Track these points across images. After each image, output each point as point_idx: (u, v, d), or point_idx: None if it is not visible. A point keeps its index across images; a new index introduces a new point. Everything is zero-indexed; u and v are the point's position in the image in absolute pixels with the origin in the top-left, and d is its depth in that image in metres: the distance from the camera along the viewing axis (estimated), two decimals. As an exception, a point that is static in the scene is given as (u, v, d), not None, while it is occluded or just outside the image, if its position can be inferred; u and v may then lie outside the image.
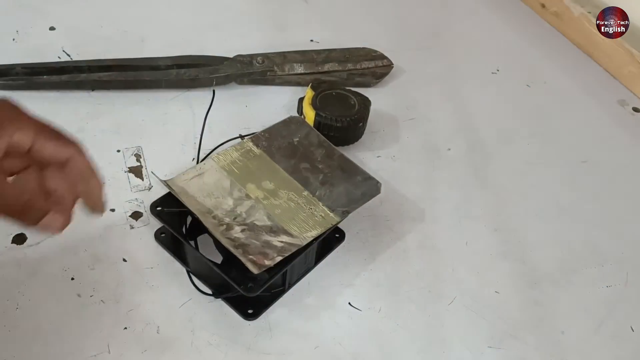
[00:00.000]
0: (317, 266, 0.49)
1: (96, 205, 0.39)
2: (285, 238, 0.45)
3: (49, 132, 0.38)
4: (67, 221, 0.37)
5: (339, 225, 0.50)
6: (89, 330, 0.44)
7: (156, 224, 0.51)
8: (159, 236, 0.49)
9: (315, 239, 0.46)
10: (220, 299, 0.46)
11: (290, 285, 0.47)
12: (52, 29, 0.68)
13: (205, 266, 0.45)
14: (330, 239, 0.50)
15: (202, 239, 0.50)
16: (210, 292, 0.47)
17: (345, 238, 0.51)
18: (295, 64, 0.65)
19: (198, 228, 0.49)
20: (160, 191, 0.53)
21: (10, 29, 0.67)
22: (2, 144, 0.35)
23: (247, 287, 0.42)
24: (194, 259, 0.47)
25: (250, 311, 0.45)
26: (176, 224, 0.47)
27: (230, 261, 0.46)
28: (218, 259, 0.48)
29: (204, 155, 0.56)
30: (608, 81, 0.71)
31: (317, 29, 0.72)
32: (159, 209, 0.47)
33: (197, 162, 0.55)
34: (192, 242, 0.48)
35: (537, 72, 0.71)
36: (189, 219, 0.50)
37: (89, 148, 0.57)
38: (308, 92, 0.59)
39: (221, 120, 0.60)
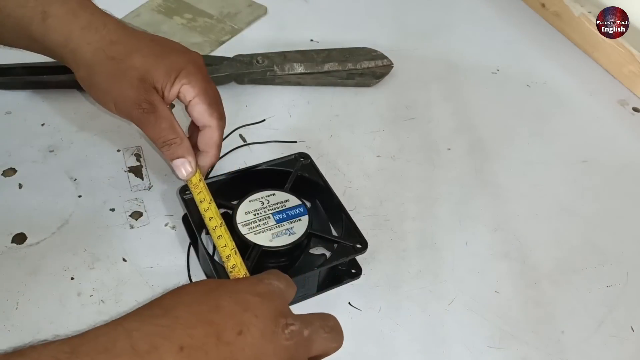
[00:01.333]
0: (319, 294, 0.48)
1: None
2: None
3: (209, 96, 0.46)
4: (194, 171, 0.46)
5: (360, 262, 0.49)
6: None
7: (156, 224, 0.51)
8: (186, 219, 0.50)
9: (321, 265, 0.46)
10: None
11: None
12: (52, 28, 0.68)
13: (207, 263, 0.46)
14: (342, 272, 0.49)
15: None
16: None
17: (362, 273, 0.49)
18: (295, 64, 0.65)
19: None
20: (160, 190, 0.53)
21: (10, 29, 0.67)
22: (176, 88, 0.45)
23: None
24: (202, 255, 0.47)
25: None
26: (196, 214, 0.47)
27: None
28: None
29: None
30: (608, 81, 0.71)
31: (317, 29, 0.72)
32: (187, 193, 0.47)
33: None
34: (209, 236, 0.48)
35: (537, 72, 0.71)
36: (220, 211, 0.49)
37: (89, 147, 0.57)
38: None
39: (221, 120, 0.60)
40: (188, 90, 0.45)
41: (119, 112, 0.45)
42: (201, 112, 0.46)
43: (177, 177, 0.46)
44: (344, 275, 0.49)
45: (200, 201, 0.45)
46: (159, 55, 0.45)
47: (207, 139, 0.47)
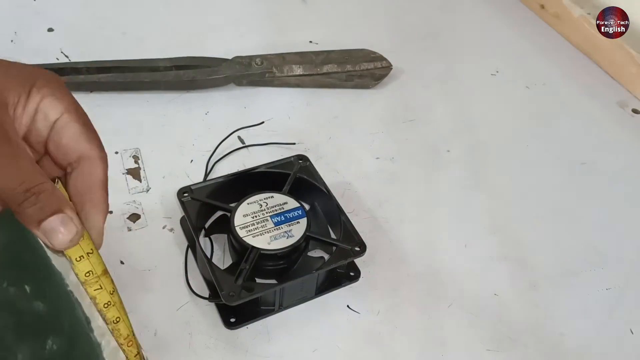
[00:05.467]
0: (318, 297, 0.48)
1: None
2: None
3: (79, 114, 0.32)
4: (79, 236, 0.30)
5: (358, 265, 0.49)
6: (86, 333, 0.44)
7: (154, 227, 0.51)
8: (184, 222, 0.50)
9: (320, 268, 0.46)
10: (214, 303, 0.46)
11: (282, 308, 0.46)
12: (50, 30, 0.68)
13: (205, 266, 0.45)
14: (340, 275, 0.49)
15: (220, 238, 0.50)
16: (206, 295, 0.46)
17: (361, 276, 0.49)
18: (294, 66, 0.64)
19: (221, 226, 0.49)
20: (158, 192, 0.53)
21: (8, 30, 0.67)
22: (34, 101, 0.30)
23: (229, 294, 0.42)
24: (199, 257, 0.47)
25: (232, 320, 0.45)
26: (195, 216, 0.47)
27: (236, 266, 0.45)
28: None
29: (207, 158, 0.56)
30: (608, 82, 0.71)
31: (316, 30, 0.72)
32: (185, 195, 0.47)
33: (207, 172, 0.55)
34: (208, 238, 0.49)
35: (536, 74, 0.71)
36: (218, 214, 0.50)
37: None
38: None
39: (220, 121, 0.60)
40: (52, 104, 0.31)
41: None
42: (75, 135, 0.31)
43: (52, 246, 0.29)
44: (342, 278, 0.48)
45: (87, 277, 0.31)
46: (1, 65, 0.31)
47: (86, 177, 0.32)
